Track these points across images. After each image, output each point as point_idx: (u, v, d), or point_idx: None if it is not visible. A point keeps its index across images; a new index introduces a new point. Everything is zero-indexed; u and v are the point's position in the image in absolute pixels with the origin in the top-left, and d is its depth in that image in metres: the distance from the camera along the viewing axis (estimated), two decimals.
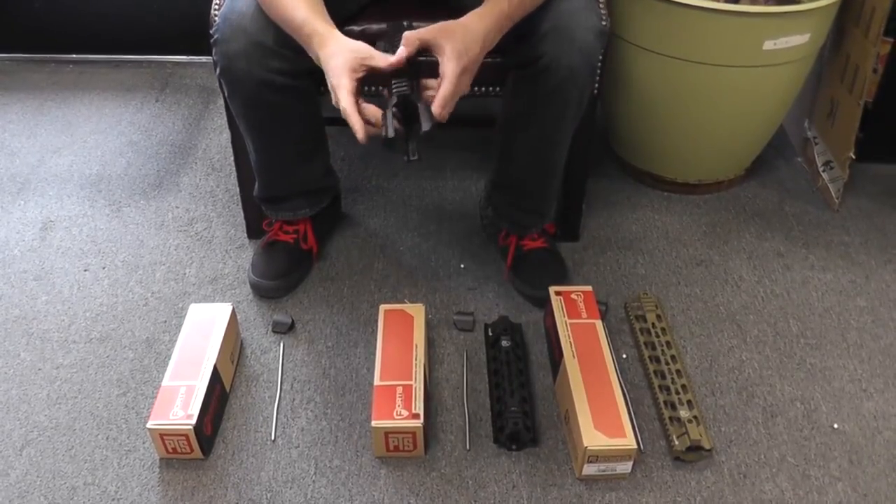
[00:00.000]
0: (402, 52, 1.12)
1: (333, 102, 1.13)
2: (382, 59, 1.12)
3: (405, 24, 1.29)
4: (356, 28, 1.40)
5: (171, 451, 1.25)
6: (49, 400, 1.36)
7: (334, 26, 1.19)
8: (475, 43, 1.14)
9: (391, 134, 1.07)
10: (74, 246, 1.68)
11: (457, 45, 1.12)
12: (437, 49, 1.13)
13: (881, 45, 1.65)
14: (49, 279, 1.60)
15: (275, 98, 1.31)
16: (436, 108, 1.10)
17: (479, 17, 1.16)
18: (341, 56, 1.13)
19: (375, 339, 1.36)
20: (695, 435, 1.25)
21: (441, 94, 1.11)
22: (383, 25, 1.38)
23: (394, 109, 1.09)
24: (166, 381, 1.28)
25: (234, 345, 1.41)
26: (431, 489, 1.23)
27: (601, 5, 1.36)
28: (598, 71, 1.38)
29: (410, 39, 1.12)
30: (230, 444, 1.29)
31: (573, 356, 1.32)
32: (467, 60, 1.13)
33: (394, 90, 1.11)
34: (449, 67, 1.11)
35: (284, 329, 1.48)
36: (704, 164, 1.81)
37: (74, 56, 2.34)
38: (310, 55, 1.19)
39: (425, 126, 1.07)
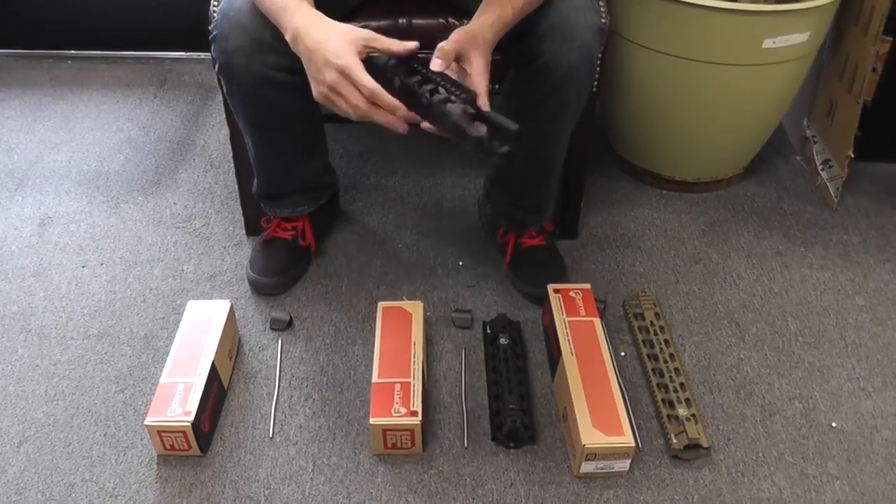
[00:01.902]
0: (437, 63, 1.07)
1: (320, 92, 1.08)
2: (396, 44, 1.07)
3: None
4: (355, 25, 1.39)
5: (168, 447, 1.25)
6: (47, 396, 1.36)
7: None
8: (489, 53, 1.14)
9: (481, 132, 1.00)
10: (72, 242, 1.67)
11: (484, 55, 1.11)
12: (465, 60, 1.10)
13: (880, 44, 1.65)
14: (47, 275, 1.59)
15: (274, 94, 1.31)
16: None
17: (490, 28, 1.14)
18: (341, 36, 1.08)
19: (374, 337, 1.36)
20: (693, 433, 1.25)
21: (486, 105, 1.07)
22: (383, 23, 1.38)
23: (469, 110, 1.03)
24: (164, 378, 1.28)
25: (232, 342, 1.41)
26: (429, 487, 1.23)
27: (600, 3, 1.35)
28: (598, 69, 1.38)
29: (447, 52, 1.07)
30: (228, 441, 1.29)
31: (571, 354, 1.32)
32: (489, 68, 1.12)
33: (457, 98, 1.03)
34: (481, 81, 1.09)
35: (283, 326, 1.48)
36: (703, 162, 1.81)
37: (73, 52, 2.34)
38: (287, 38, 1.13)
39: (512, 125, 1.00)
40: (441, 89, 1.03)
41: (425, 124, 1.06)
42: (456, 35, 1.11)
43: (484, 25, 1.14)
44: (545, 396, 1.37)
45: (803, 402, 1.37)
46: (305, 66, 1.11)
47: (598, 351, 1.33)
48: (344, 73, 1.05)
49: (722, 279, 1.61)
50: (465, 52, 1.10)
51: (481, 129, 0.99)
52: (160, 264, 1.62)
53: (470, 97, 1.02)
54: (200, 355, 1.31)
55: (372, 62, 1.07)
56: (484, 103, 1.04)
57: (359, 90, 1.05)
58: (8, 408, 1.34)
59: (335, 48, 1.06)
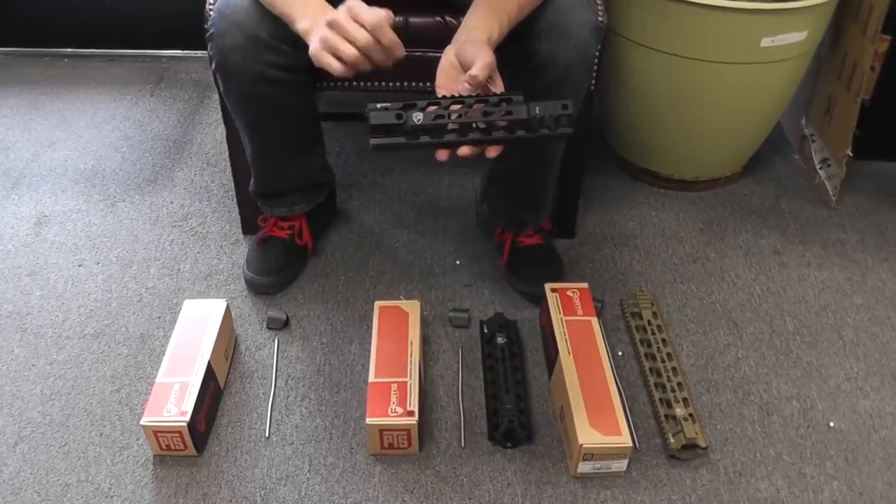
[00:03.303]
0: (465, 87, 1.07)
1: (321, 38, 1.06)
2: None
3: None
4: None
5: (164, 447, 1.24)
6: (43, 396, 1.35)
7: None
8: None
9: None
10: (69, 241, 1.67)
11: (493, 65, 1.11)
12: (491, 81, 1.10)
13: (879, 43, 1.64)
14: (43, 274, 1.59)
15: (271, 92, 1.30)
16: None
17: (487, 31, 1.13)
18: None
19: (370, 336, 1.36)
20: (690, 433, 1.25)
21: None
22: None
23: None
24: (160, 378, 1.27)
25: (228, 341, 1.41)
26: (426, 487, 1.22)
27: (598, 1, 1.35)
28: (595, 67, 1.38)
29: (480, 81, 1.07)
30: (224, 441, 1.29)
31: (569, 353, 1.32)
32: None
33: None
34: (501, 84, 1.11)
35: (279, 325, 1.47)
36: (701, 161, 1.80)
37: (69, 50, 2.33)
38: (304, 24, 1.13)
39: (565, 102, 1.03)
40: (491, 102, 1.03)
41: (463, 149, 1.04)
42: (487, 54, 1.08)
43: (491, 39, 1.13)
44: (542, 396, 1.37)
45: (801, 402, 1.36)
46: (313, 35, 1.09)
47: (595, 350, 1.33)
48: (350, 10, 1.04)
49: (720, 278, 1.61)
50: (494, 72, 1.10)
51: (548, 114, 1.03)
52: (156, 263, 1.62)
53: (519, 94, 1.03)
54: (196, 355, 1.30)
55: (402, 127, 1.02)
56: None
57: (361, 24, 1.04)
58: (4, 408, 1.33)
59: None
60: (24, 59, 2.31)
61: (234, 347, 1.44)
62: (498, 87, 1.10)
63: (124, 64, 2.30)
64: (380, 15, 1.04)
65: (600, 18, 1.30)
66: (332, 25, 1.05)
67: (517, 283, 1.55)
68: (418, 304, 1.42)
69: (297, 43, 1.20)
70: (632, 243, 1.69)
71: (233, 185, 1.65)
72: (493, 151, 1.06)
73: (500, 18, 1.15)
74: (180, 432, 1.22)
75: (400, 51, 1.06)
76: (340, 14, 1.05)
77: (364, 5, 1.05)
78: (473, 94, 1.05)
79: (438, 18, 1.38)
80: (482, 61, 1.06)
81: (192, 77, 2.24)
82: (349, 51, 1.05)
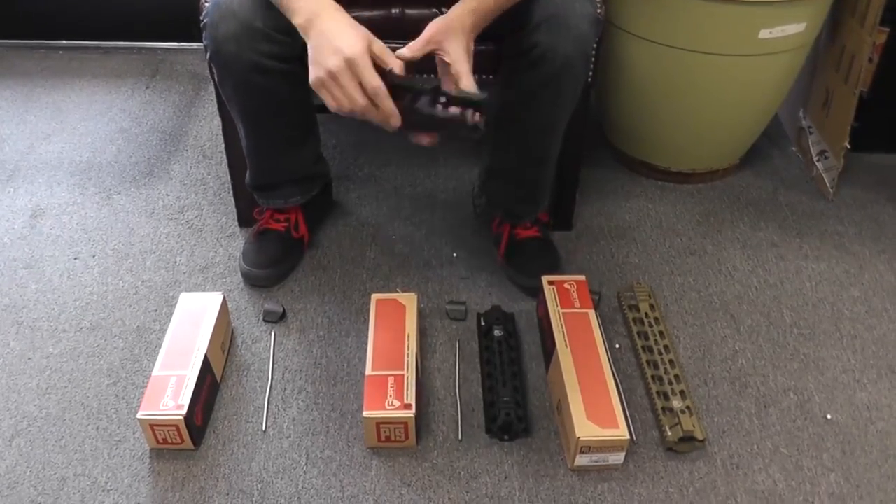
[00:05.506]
0: (403, 53, 1.12)
1: (318, 78, 1.09)
2: (397, 65, 1.10)
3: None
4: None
5: (161, 441, 1.24)
6: (39, 390, 1.35)
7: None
8: (470, 39, 1.16)
9: (454, 113, 1.08)
10: (64, 234, 1.66)
11: (462, 42, 1.14)
12: (442, 51, 1.13)
13: (877, 35, 1.64)
14: (39, 267, 1.58)
15: (265, 82, 1.30)
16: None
17: (471, 14, 1.16)
18: (357, 31, 1.10)
19: (367, 329, 1.36)
20: (687, 426, 1.25)
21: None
22: (375, 13, 1.37)
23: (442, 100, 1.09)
24: (156, 371, 1.27)
25: (224, 334, 1.40)
26: (423, 480, 1.22)
27: None
28: (593, 59, 1.37)
29: (416, 48, 1.13)
30: (221, 435, 1.28)
31: (566, 346, 1.31)
32: (470, 54, 1.15)
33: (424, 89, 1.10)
34: (460, 67, 1.13)
35: (275, 318, 1.47)
36: (699, 153, 1.80)
37: (65, 42, 2.32)
38: (298, 20, 1.13)
39: (478, 95, 1.08)
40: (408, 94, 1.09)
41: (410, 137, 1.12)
42: (428, 28, 1.14)
43: (463, 13, 1.15)
44: (539, 389, 1.37)
45: (798, 394, 1.36)
46: (311, 49, 1.11)
47: (592, 343, 1.33)
48: (351, 64, 1.07)
49: (717, 270, 1.60)
50: (440, 43, 1.13)
51: (454, 112, 1.07)
52: (152, 256, 1.61)
53: (432, 85, 1.08)
54: (193, 348, 1.30)
55: None
56: (466, 85, 1.10)
57: (361, 85, 1.07)
58: (0, 401, 1.33)
59: (349, 39, 1.08)
60: (19, 51, 2.30)
61: (230, 340, 1.43)
62: (455, 64, 1.12)
63: (120, 56, 2.29)
64: (376, 83, 1.07)
65: (598, 10, 1.30)
66: (332, 77, 1.07)
67: (514, 275, 1.55)
68: (415, 296, 1.42)
69: (293, 33, 1.19)
70: (629, 236, 1.69)
71: (229, 177, 1.65)
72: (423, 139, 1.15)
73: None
74: (177, 426, 1.21)
75: (395, 121, 1.09)
76: (342, 63, 1.06)
77: (369, 65, 1.07)
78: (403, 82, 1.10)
79: (435, 10, 1.37)
80: (428, 30, 1.13)
81: (188, 69, 2.23)
82: (344, 106, 1.09)
